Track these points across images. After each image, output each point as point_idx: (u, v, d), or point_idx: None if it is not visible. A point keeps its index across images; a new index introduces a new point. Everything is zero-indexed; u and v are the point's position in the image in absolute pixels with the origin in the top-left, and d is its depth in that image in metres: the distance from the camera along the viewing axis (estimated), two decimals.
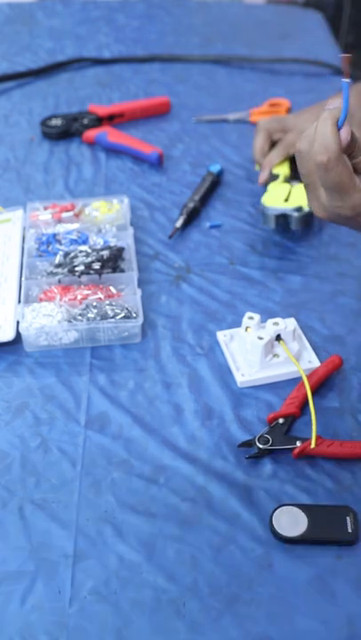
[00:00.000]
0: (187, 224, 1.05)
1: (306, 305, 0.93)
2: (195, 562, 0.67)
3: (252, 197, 1.11)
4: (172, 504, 0.72)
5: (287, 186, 1.03)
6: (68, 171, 1.18)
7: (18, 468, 0.75)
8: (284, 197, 1.00)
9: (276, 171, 1.06)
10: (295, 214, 0.98)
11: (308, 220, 1.00)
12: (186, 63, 1.45)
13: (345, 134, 0.65)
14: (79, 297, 0.90)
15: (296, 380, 0.83)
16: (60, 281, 0.92)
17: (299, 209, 0.98)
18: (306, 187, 0.72)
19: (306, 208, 0.98)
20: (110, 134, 1.21)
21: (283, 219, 0.99)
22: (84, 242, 0.98)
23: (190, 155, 1.20)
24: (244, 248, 1.02)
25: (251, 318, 0.84)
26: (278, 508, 0.70)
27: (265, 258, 1.01)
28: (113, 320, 0.87)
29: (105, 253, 0.95)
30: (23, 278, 0.93)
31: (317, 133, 0.65)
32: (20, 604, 0.65)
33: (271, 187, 1.03)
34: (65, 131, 1.24)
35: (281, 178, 1.04)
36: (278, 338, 0.84)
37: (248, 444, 0.77)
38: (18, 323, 0.88)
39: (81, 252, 0.96)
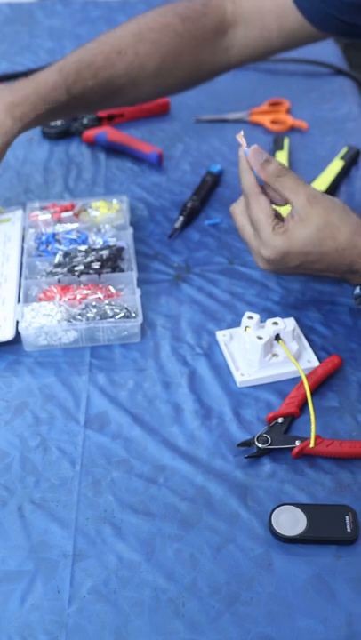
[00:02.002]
0: (186, 224, 1.05)
1: (306, 305, 0.93)
2: (194, 561, 0.67)
3: None
4: (172, 504, 0.72)
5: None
6: (67, 170, 1.18)
7: (17, 468, 0.75)
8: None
9: None
10: None
11: None
12: None
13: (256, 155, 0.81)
14: (79, 297, 0.90)
15: (295, 380, 0.83)
16: (59, 281, 0.92)
17: None
18: (248, 244, 0.84)
19: None
20: (110, 134, 1.21)
21: None
22: (84, 242, 0.98)
23: (190, 155, 1.20)
24: (243, 248, 1.02)
25: (250, 318, 0.84)
26: (277, 507, 0.70)
27: None
28: (112, 320, 0.87)
29: (104, 253, 0.95)
30: (23, 278, 0.93)
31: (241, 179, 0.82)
32: (20, 604, 0.65)
33: None
34: (65, 130, 1.24)
35: None
36: (278, 338, 0.84)
37: (247, 443, 0.77)
38: (17, 322, 0.88)
39: (80, 251, 0.96)
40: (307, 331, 0.89)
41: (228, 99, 1.35)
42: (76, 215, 1.04)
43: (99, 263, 0.94)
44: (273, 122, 1.26)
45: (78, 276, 0.93)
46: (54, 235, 0.99)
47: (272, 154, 1.17)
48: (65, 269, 0.94)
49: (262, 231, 0.80)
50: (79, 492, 0.73)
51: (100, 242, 0.98)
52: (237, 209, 0.85)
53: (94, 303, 0.89)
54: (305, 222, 0.78)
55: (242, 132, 0.82)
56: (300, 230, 0.78)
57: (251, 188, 0.81)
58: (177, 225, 1.04)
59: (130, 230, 1.00)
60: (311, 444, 0.75)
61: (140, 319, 0.87)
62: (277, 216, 0.81)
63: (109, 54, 0.98)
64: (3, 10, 1.67)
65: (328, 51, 1.47)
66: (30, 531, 0.70)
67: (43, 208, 1.05)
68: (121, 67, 0.98)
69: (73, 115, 1.13)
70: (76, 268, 0.94)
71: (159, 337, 0.89)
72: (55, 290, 0.91)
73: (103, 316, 0.88)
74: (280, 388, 0.83)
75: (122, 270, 0.95)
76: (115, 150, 1.21)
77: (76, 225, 1.01)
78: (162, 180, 1.15)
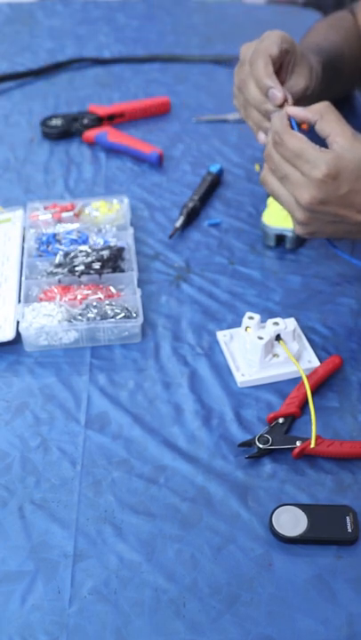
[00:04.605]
0: (187, 224, 1.05)
1: (306, 305, 0.93)
2: (195, 562, 0.67)
3: (252, 197, 1.11)
4: (172, 504, 0.72)
5: None
6: (68, 171, 1.18)
7: (18, 468, 0.75)
8: (283, 215, 1.01)
9: None
10: (290, 234, 1.00)
11: (302, 239, 1.01)
12: (186, 63, 1.45)
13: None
14: (79, 297, 0.90)
15: (296, 380, 0.83)
16: (60, 281, 0.92)
17: None
18: (282, 197, 0.79)
19: None
20: (110, 134, 1.21)
21: (282, 237, 1.01)
22: (84, 242, 0.98)
23: (190, 155, 1.20)
24: (244, 248, 1.02)
25: (251, 318, 0.84)
26: (278, 507, 0.70)
27: (265, 258, 1.01)
28: (113, 320, 0.87)
29: (105, 253, 0.95)
30: (23, 278, 0.93)
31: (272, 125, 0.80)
32: (20, 604, 0.65)
33: (271, 201, 1.03)
34: (65, 131, 1.24)
35: None
36: (278, 338, 0.84)
37: (248, 443, 0.77)
38: (18, 322, 0.88)
39: (81, 251, 0.96)
40: (307, 331, 0.89)
41: (228, 99, 1.34)
42: (77, 215, 1.04)
43: (99, 263, 0.94)
44: None
45: (79, 277, 0.93)
46: (55, 235, 0.99)
47: None
48: (65, 269, 0.94)
49: (309, 154, 0.75)
50: (80, 492, 0.73)
51: (100, 242, 0.98)
52: (266, 173, 0.81)
53: (95, 303, 0.89)
54: (353, 147, 0.75)
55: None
56: (350, 151, 0.75)
57: (283, 127, 0.78)
58: (177, 225, 1.04)
59: (130, 230, 1.00)
60: (312, 445, 0.75)
61: (140, 319, 0.87)
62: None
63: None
64: (3, 10, 1.67)
65: None
66: (31, 531, 0.70)
67: (43, 208, 1.05)
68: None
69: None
70: (76, 269, 0.94)
71: (160, 337, 0.89)
72: (56, 290, 0.91)
73: (104, 317, 0.88)
74: (281, 388, 0.83)
75: (122, 270, 0.95)
76: (115, 150, 1.21)
77: (76, 225, 1.01)
78: (162, 180, 1.15)
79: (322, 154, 0.74)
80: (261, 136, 0.90)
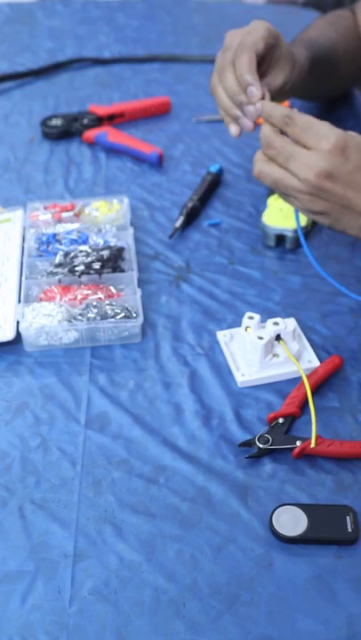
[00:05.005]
0: (187, 224, 1.05)
1: (306, 305, 0.93)
2: (195, 562, 0.67)
3: (252, 197, 1.11)
4: (172, 504, 0.72)
5: None
6: (68, 171, 1.18)
7: (18, 468, 0.75)
8: (283, 215, 1.01)
9: None
10: (290, 234, 1.00)
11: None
12: (186, 63, 1.45)
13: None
14: (79, 297, 0.90)
15: (296, 380, 0.83)
16: (60, 281, 0.92)
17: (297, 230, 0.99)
18: (285, 184, 0.77)
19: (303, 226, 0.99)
20: (110, 134, 1.21)
21: (282, 237, 1.01)
22: (84, 242, 0.98)
23: (190, 155, 1.20)
24: (244, 248, 1.02)
25: (251, 318, 0.84)
26: (278, 507, 0.70)
27: (265, 258, 1.01)
28: (113, 320, 0.87)
29: (105, 253, 0.95)
30: (23, 278, 0.93)
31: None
32: (20, 604, 0.65)
33: (270, 201, 1.03)
34: (65, 131, 1.24)
35: None
36: (278, 338, 0.84)
37: (248, 443, 0.77)
38: (18, 322, 0.88)
39: (81, 251, 0.96)
40: (307, 331, 0.89)
41: None
42: (77, 215, 1.04)
43: (99, 263, 0.94)
44: None
45: (79, 277, 0.93)
46: (55, 235, 0.99)
47: None
48: (65, 269, 0.94)
49: (318, 126, 0.75)
50: (80, 492, 0.73)
51: (100, 242, 0.98)
52: (263, 164, 0.80)
53: (95, 303, 0.89)
54: (353, 136, 0.75)
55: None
56: (354, 136, 0.75)
57: (289, 110, 0.77)
58: (177, 225, 1.04)
59: (130, 230, 1.00)
60: (312, 445, 0.75)
61: (140, 319, 0.87)
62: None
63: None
64: (3, 10, 1.67)
65: None
66: (31, 531, 0.70)
67: (43, 208, 1.05)
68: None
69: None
70: (76, 269, 0.94)
71: (160, 337, 0.89)
72: (56, 290, 0.91)
73: (104, 317, 0.88)
74: (281, 388, 0.83)
75: (122, 270, 0.95)
76: (115, 150, 1.21)
77: (76, 225, 1.01)
78: (162, 180, 1.15)
79: (332, 127, 0.75)
80: (233, 128, 0.90)
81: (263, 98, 0.85)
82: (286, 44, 0.94)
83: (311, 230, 1.03)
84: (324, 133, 0.74)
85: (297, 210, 0.81)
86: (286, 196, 0.79)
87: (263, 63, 0.90)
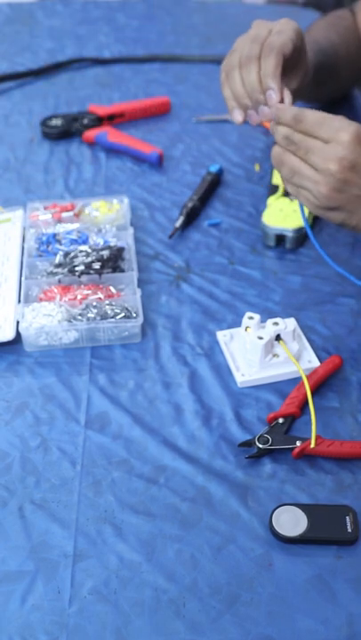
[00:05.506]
0: (187, 224, 1.05)
1: (306, 305, 0.93)
2: (195, 562, 0.67)
3: (252, 197, 1.11)
4: (172, 504, 0.72)
5: (286, 200, 1.03)
6: (68, 171, 1.18)
7: (18, 468, 0.75)
8: (283, 215, 1.01)
9: (276, 181, 1.06)
10: (290, 234, 1.00)
11: (302, 239, 1.01)
12: (186, 63, 1.45)
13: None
14: (79, 297, 0.90)
15: (296, 380, 0.83)
16: (60, 281, 0.92)
17: (298, 230, 0.99)
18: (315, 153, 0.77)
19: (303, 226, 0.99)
20: (110, 134, 1.21)
21: (282, 237, 1.01)
22: (84, 242, 0.98)
23: (190, 155, 1.20)
24: (244, 248, 1.02)
25: (251, 318, 0.84)
26: (278, 507, 0.70)
27: (265, 258, 1.01)
28: (113, 320, 0.87)
29: (105, 253, 0.95)
30: (23, 278, 0.93)
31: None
32: (20, 604, 0.65)
33: (271, 201, 1.03)
34: (65, 131, 1.24)
35: (281, 190, 1.04)
36: (278, 338, 0.84)
37: (248, 443, 0.77)
38: (18, 322, 0.88)
39: (81, 251, 0.96)
40: (307, 331, 0.89)
41: None
42: (77, 215, 1.04)
43: (99, 263, 0.94)
44: None
45: (79, 277, 0.93)
46: (55, 235, 0.99)
47: None
48: (65, 269, 0.94)
49: (332, 120, 0.75)
50: (80, 492, 0.73)
51: (100, 242, 0.98)
52: (283, 152, 0.81)
53: (95, 303, 0.89)
54: None
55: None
56: None
57: (298, 109, 0.79)
58: (177, 225, 1.04)
59: (130, 230, 1.00)
60: (312, 445, 0.75)
61: (140, 319, 0.87)
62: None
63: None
64: (3, 10, 1.67)
65: None
66: (31, 531, 0.70)
67: (43, 208, 1.05)
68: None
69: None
70: (76, 269, 0.94)
71: (160, 337, 0.89)
72: (56, 290, 0.91)
73: (104, 317, 0.88)
74: (281, 388, 0.83)
75: (122, 270, 0.95)
76: (115, 150, 1.21)
77: (76, 225, 1.01)
78: (162, 180, 1.15)
79: (346, 120, 0.75)
80: (237, 114, 0.88)
81: (282, 101, 0.84)
82: (306, 49, 0.93)
83: (311, 230, 1.03)
84: (341, 125, 0.74)
85: (302, 205, 0.81)
86: (300, 189, 0.79)
87: (286, 66, 0.89)
